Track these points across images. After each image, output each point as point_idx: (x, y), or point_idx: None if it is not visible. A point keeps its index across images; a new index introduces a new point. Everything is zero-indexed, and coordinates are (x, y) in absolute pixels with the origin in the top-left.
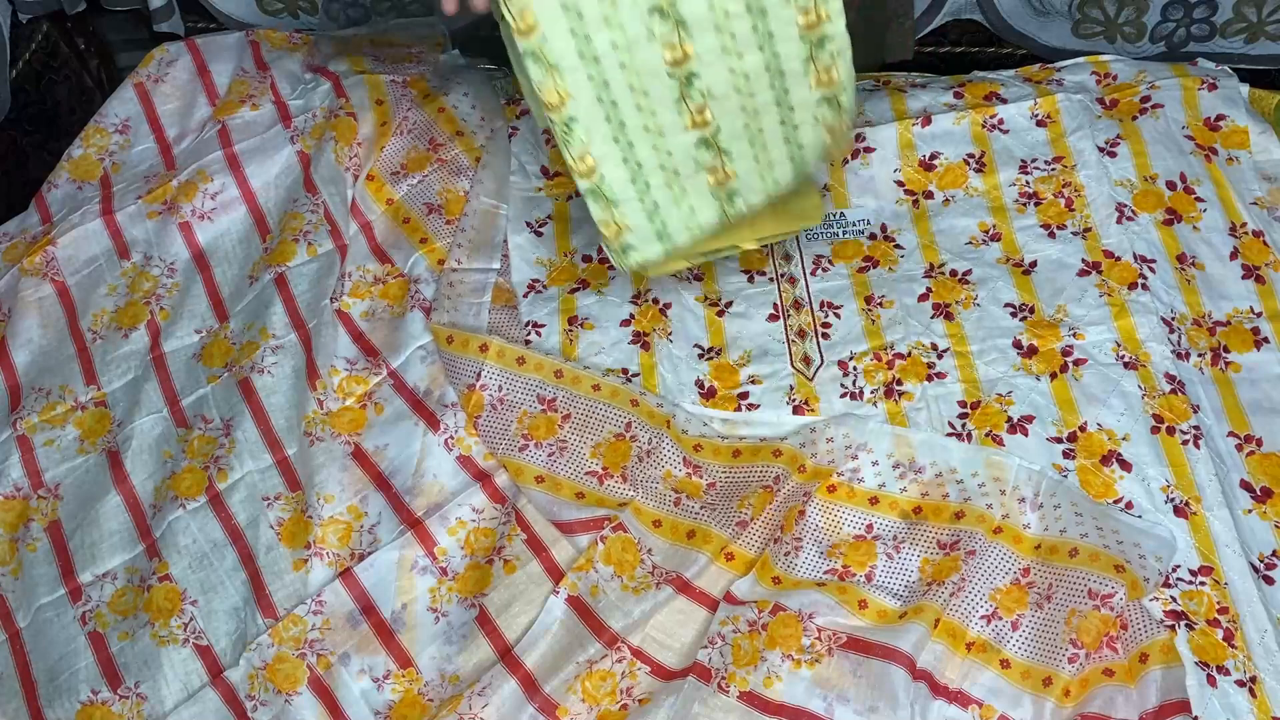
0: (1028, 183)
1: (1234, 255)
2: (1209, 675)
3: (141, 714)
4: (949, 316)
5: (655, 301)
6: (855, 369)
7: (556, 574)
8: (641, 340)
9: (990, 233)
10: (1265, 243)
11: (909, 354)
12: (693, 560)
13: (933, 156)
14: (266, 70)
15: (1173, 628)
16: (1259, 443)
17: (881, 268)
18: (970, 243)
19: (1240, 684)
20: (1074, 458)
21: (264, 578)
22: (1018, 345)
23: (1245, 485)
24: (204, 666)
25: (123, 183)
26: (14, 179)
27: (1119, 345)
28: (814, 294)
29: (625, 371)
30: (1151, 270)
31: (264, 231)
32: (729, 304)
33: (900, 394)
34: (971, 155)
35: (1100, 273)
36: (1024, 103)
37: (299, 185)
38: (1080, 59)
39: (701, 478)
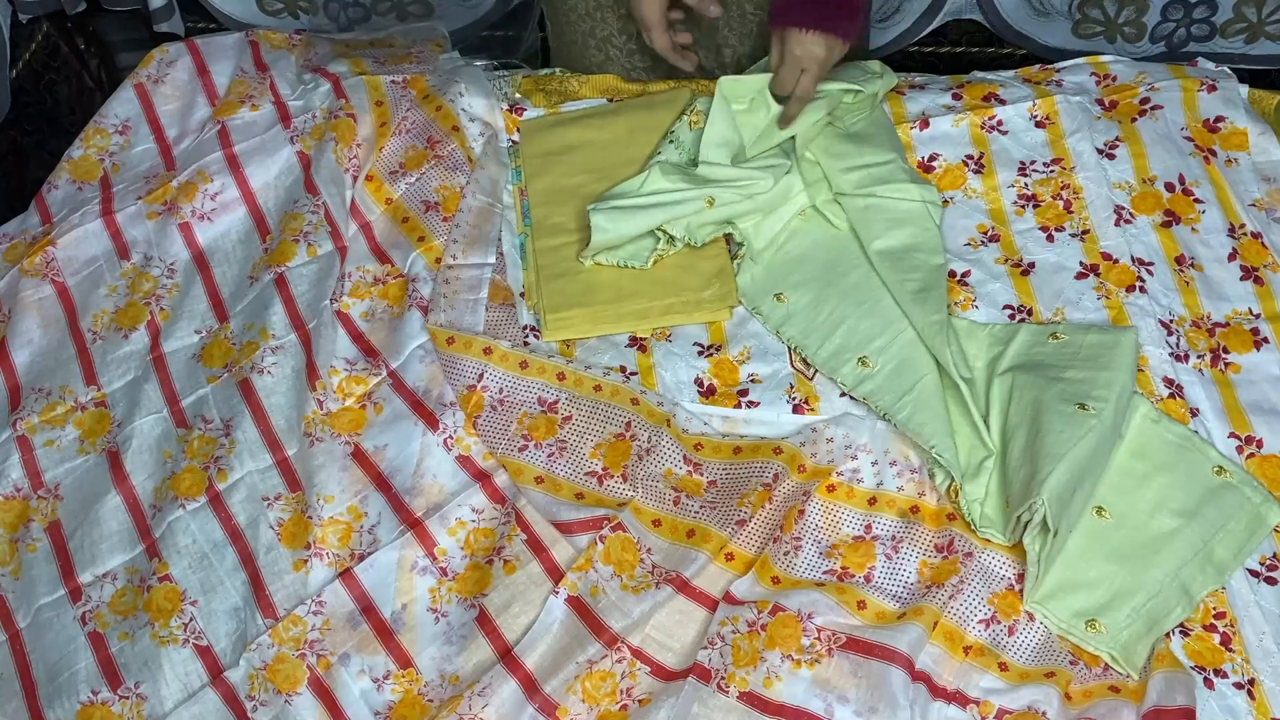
0: (1026, 185)
1: (1233, 256)
2: (1205, 679)
3: (141, 714)
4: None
5: None
6: None
7: (556, 574)
8: (638, 344)
9: (989, 234)
10: (1264, 244)
11: None
12: (692, 559)
13: (931, 158)
14: (266, 71)
15: (1168, 634)
16: (1259, 444)
17: None
18: (969, 244)
19: (1238, 686)
20: None
21: (264, 578)
22: None
23: None
24: (204, 667)
25: (123, 183)
26: (14, 179)
27: None
28: None
29: (624, 369)
30: (1149, 273)
31: (264, 232)
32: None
33: None
34: (970, 157)
35: (1098, 275)
36: (1023, 104)
37: (299, 186)
38: (1080, 60)
39: (702, 475)
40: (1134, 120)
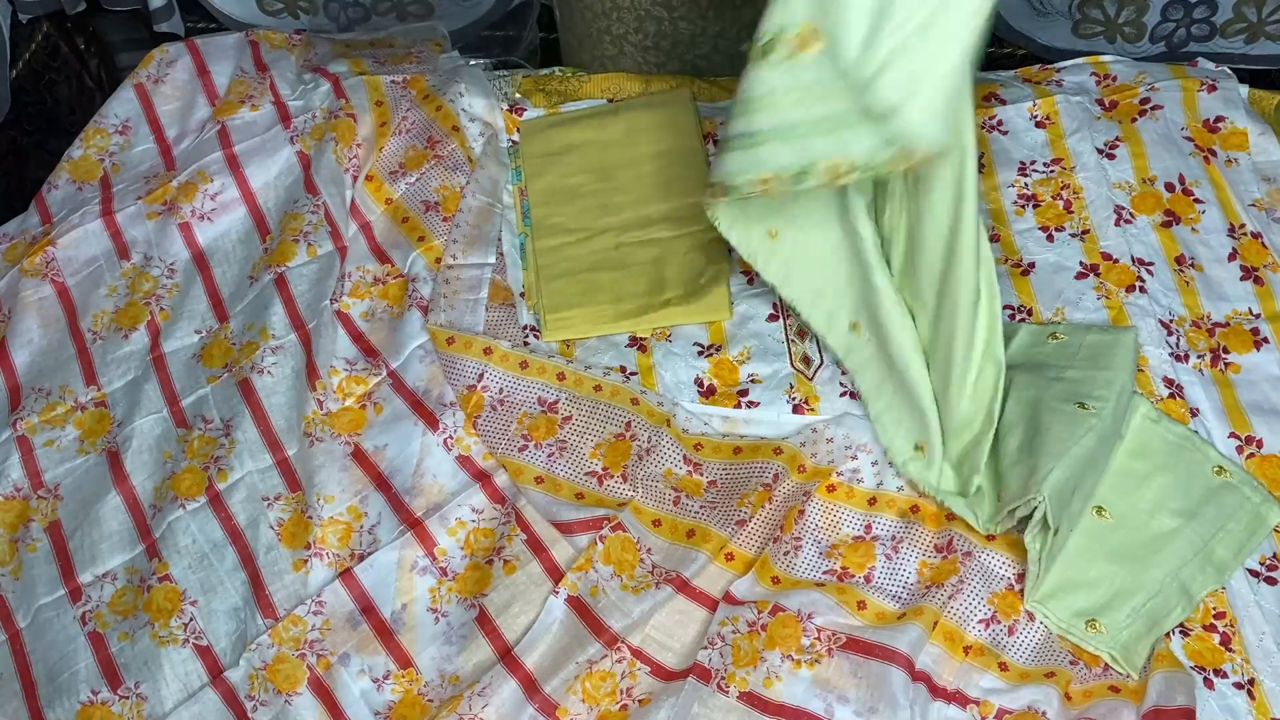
0: (1026, 185)
1: (1233, 256)
2: (1205, 679)
3: (141, 714)
4: None
5: None
6: None
7: (556, 574)
8: (638, 344)
9: (989, 234)
10: (1264, 244)
11: None
12: (692, 559)
13: None
14: (266, 71)
15: (1168, 634)
16: (1259, 444)
17: None
18: None
19: (1238, 686)
20: None
21: (264, 578)
22: None
23: None
24: (204, 667)
25: (123, 183)
26: (14, 179)
27: None
28: None
29: (624, 369)
30: (1149, 273)
31: (264, 232)
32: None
33: None
34: None
35: (1098, 275)
36: (1023, 104)
37: (299, 186)
38: (1080, 59)
39: (702, 475)
40: (1134, 120)
